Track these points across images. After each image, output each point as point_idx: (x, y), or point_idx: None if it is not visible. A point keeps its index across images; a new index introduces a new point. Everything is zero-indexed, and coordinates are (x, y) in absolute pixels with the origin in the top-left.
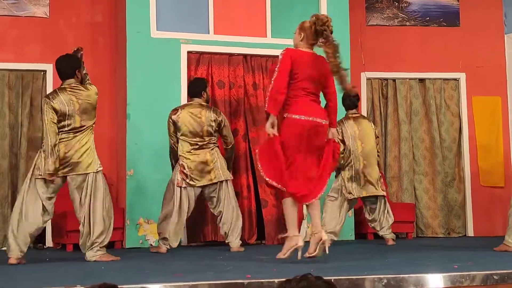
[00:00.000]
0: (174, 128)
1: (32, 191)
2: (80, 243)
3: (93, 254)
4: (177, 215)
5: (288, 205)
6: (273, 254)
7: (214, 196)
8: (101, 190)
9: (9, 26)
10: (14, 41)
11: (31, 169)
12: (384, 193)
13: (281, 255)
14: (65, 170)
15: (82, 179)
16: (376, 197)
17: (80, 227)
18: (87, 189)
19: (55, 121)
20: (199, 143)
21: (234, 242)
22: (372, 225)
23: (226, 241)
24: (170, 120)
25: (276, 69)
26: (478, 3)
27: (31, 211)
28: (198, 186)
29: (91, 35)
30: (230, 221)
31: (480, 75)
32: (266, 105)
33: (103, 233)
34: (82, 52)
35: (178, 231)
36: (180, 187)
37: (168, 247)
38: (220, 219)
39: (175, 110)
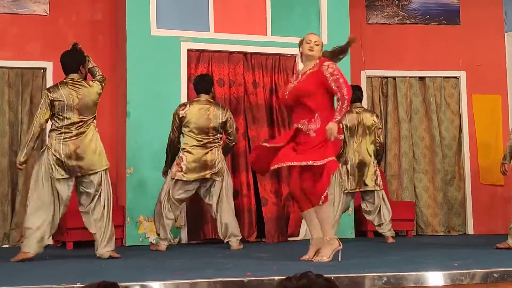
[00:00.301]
0: (180, 123)
1: (48, 191)
2: (99, 241)
3: (108, 250)
4: (159, 206)
5: (330, 207)
6: (273, 252)
7: (210, 196)
8: (110, 187)
9: (9, 24)
10: (14, 39)
11: (40, 170)
12: (379, 188)
13: (324, 258)
14: (83, 169)
15: (97, 176)
16: (372, 191)
17: (95, 224)
18: (100, 186)
19: (47, 117)
20: (203, 140)
21: (233, 240)
22: (368, 217)
23: (225, 241)
24: (177, 114)
25: (338, 74)
26: (478, 1)
27: (47, 205)
28: (191, 181)
29: (91, 33)
30: (224, 222)
31: (480, 74)
32: (342, 112)
33: (113, 228)
34: (80, 46)
35: (164, 222)
36: (174, 179)
37: (166, 244)
38: (217, 221)
39: (183, 106)
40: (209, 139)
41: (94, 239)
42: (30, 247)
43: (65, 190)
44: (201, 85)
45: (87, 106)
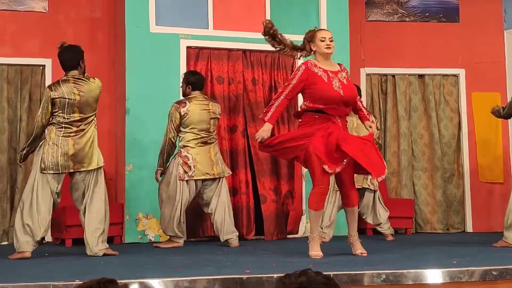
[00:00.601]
0: (180, 121)
1: (44, 186)
2: (85, 238)
3: (100, 248)
4: (179, 210)
5: None
6: (272, 249)
7: (209, 192)
8: (102, 185)
9: (8, 21)
10: (13, 35)
11: (37, 164)
12: (373, 188)
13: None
14: (76, 165)
15: (87, 174)
16: (364, 190)
17: (83, 221)
18: (90, 183)
19: (49, 116)
20: (205, 137)
21: (233, 238)
22: (363, 217)
23: (223, 239)
24: (178, 113)
25: None
26: None
27: (44, 206)
28: (199, 179)
29: (90, 30)
30: (222, 218)
31: (480, 71)
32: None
33: (106, 227)
34: (67, 45)
35: (182, 225)
36: (182, 180)
37: (185, 239)
38: (214, 217)
39: (183, 103)
40: (210, 135)
41: (84, 237)
42: (28, 245)
43: (55, 185)
44: (199, 82)
45: (88, 103)
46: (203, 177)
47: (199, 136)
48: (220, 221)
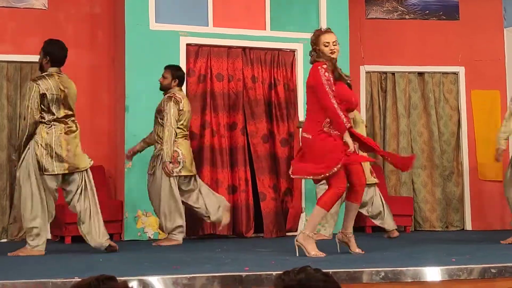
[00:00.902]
0: (178, 116)
1: (44, 187)
2: (87, 236)
3: (106, 238)
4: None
5: None
6: (271, 247)
7: (191, 189)
8: (93, 184)
9: (8, 18)
10: (12, 32)
11: (30, 165)
12: (377, 181)
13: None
14: (70, 167)
15: (78, 174)
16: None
17: (83, 218)
18: (85, 183)
19: (39, 111)
20: (187, 134)
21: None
22: (361, 210)
23: (220, 216)
24: (177, 107)
25: None
26: None
27: (51, 204)
28: (183, 175)
29: (90, 27)
30: (217, 207)
31: (479, 69)
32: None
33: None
34: None
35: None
36: (175, 176)
37: (184, 235)
38: (203, 203)
39: (179, 98)
40: (188, 132)
41: (83, 235)
42: (43, 245)
43: (54, 184)
44: (184, 77)
45: (71, 100)
46: (187, 174)
47: (184, 133)
48: (213, 202)
